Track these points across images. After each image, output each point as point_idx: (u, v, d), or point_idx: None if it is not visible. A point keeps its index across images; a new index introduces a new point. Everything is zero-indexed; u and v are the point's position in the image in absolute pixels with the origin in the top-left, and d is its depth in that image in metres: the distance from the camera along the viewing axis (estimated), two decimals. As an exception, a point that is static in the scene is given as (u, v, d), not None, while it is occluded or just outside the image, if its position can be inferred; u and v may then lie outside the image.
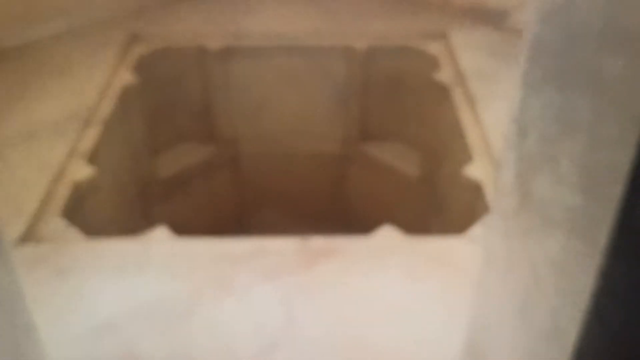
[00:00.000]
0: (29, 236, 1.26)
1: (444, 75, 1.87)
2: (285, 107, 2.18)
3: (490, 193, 1.42)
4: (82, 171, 1.46)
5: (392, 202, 2.22)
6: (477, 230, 1.30)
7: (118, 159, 1.75)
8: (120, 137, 1.78)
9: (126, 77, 1.85)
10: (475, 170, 1.49)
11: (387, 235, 1.29)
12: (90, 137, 1.58)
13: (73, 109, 1.65)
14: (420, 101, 2.02)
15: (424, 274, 1.18)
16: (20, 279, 0.79)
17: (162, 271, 1.19)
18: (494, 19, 2.09)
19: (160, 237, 1.28)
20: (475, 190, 1.47)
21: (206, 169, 2.20)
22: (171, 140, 2.17)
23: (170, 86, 2.07)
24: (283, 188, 2.36)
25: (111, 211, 1.67)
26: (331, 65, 2.09)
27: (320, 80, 2.12)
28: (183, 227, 2.23)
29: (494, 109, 1.67)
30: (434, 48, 2.02)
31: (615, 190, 0.44)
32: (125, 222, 1.81)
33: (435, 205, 1.95)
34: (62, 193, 1.39)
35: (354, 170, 2.30)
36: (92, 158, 1.53)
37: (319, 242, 1.27)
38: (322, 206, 2.41)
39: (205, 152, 2.20)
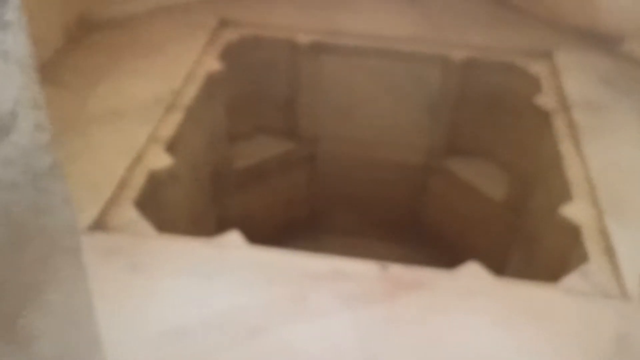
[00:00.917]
0: (101, 224, 1.23)
1: (547, 99, 1.74)
2: (372, 111, 2.09)
3: (588, 239, 1.29)
4: (160, 160, 1.42)
5: (471, 223, 2.11)
6: (572, 281, 1.19)
7: (196, 147, 1.71)
8: (201, 124, 1.73)
9: (212, 63, 1.80)
10: (575, 211, 1.37)
11: (473, 274, 1.19)
12: (172, 124, 1.53)
13: (159, 92, 1.62)
14: (517, 124, 1.90)
15: (514, 323, 1.08)
16: (91, 284, 0.74)
17: (235, 280, 1.13)
18: (608, 43, 1.93)
19: (233, 243, 1.22)
20: (572, 233, 1.34)
21: (283, 164, 2.14)
22: (251, 131, 2.12)
23: (255, 76, 2.02)
24: (359, 193, 2.28)
25: (184, 198, 1.63)
26: (426, 73, 1.98)
27: (413, 88, 2.01)
28: (253, 221, 2.20)
29: (600, 145, 1.54)
30: (538, 68, 1.88)
31: None
32: (197, 210, 1.77)
33: (521, 239, 1.83)
34: (138, 181, 1.35)
35: (435, 184, 2.20)
36: (171, 146, 1.48)
37: (399, 271, 1.18)
38: (396, 217, 2.31)
39: (284, 147, 2.14)
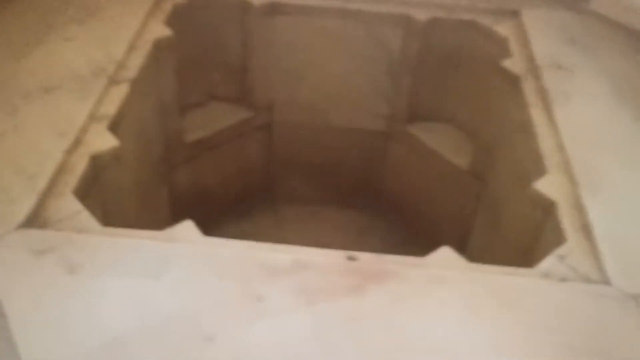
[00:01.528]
0: (36, 218, 1.10)
1: (515, 63, 1.65)
2: (329, 75, 1.98)
3: (564, 216, 1.23)
4: (103, 140, 1.29)
5: (434, 190, 2.04)
6: (548, 264, 1.13)
7: (144, 122, 1.58)
8: (149, 97, 1.60)
9: (159, 28, 1.65)
10: (548, 184, 1.29)
11: (446, 261, 1.12)
12: (115, 99, 1.39)
13: (98, 62, 1.47)
14: (482, 87, 1.81)
15: (488, 313, 1.01)
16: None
17: (186, 279, 1.03)
18: (575, 0, 1.85)
19: (186, 236, 1.12)
20: (545, 208, 1.28)
21: (236, 134, 2.02)
22: (202, 99, 1.99)
23: (206, 40, 1.87)
24: (317, 161, 2.18)
25: (132, 180, 1.51)
26: (386, 34, 1.87)
27: (372, 49, 1.90)
28: (208, 195, 2.09)
29: (571, 110, 1.46)
30: (504, 28, 1.79)
31: None
32: (147, 190, 1.65)
33: (486, 207, 1.77)
34: (78, 166, 1.22)
35: (395, 150, 2.11)
36: (115, 124, 1.35)
37: (367, 261, 1.10)
38: (356, 184, 2.23)
39: (238, 115, 2.01)
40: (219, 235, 2.12)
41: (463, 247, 2.00)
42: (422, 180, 2.06)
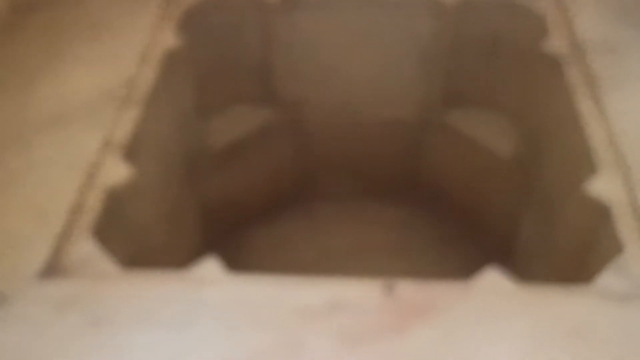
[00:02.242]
0: (53, 267, 1.04)
1: (555, 44, 1.52)
2: (357, 69, 1.86)
3: (620, 222, 1.11)
4: (119, 171, 1.21)
5: (475, 182, 1.93)
6: (607, 279, 1.02)
7: (162, 141, 1.50)
8: (165, 113, 1.52)
9: (170, 37, 1.55)
10: (601, 186, 1.17)
11: (494, 286, 1.02)
12: (129, 122, 1.31)
13: (108, 83, 1.39)
14: (522, 72, 1.68)
15: (546, 348, 0.91)
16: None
17: (214, 328, 0.95)
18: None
19: (210, 275, 1.04)
20: (599, 213, 1.16)
21: (264, 135, 1.93)
22: (224, 103, 1.90)
23: (223, 42, 1.78)
24: (350, 156, 2.08)
25: (154, 203, 1.44)
26: (415, 22, 1.74)
27: (401, 40, 1.78)
28: (238, 202, 2.01)
29: (623, 99, 1.33)
30: (542, 4, 1.65)
31: None
32: (173, 209, 1.58)
33: (533, 202, 1.65)
34: (94, 202, 1.15)
35: (432, 140, 2.00)
36: (131, 150, 1.27)
37: (407, 291, 1.00)
38: (392, 177, 2.13)
39: (264, 116, 1.92)
40: (252, 244, 2.09)
41: (510, 239, 1.89)
42: (462, 171, 1.95)
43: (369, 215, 2.22)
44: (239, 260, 2.01)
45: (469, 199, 1.99)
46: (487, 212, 1.95)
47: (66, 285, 1.02)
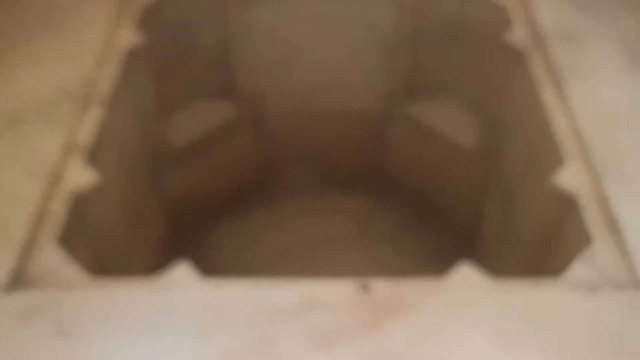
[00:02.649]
0: (18, 277, 1.00)
1: (517, 35, 1.53)
2: (319, 60, 1.85)
3: (587, 213, 1.13)
4: (83, 175, 1.17)
5: (439, 171, 1.94)
6: (577, 271, 1.04)
7: (125, 140, 1.46)
8: (127, 112, 1.48)
9: (129, 34, 1.51)
10: (568, 177, 1.19)
11: (467, 280, 1.03)
12: (90, 123, 1.27)
13: (66, 82, 1.34)
14: (483, 62, 1.70)
15: (519, 340, 0.93)
16: None
17: (186, 331, 0.94)
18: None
19: (182, 280, 1.02)
20: (566, 203, 1.18)
21: (226, 130, 1.91)
22: (186, 99, 1.87)
23: (182, 37, 1.74)
24: (314, 149, 2.08)
25: (119, 205, 1.41)
26: (375, 13, 1.74)
27: (362, 30, 1.78)
28: (202, 197, 1.98)
29: (585, 88, 1.36)
30: (502, -5, 1.66)
31: None
32: (137, 210, 1.55)
33: (497, 193, 1.67)
34: (59, 208, 1.11)
35: (395, 131, 2.00)
36: (94, 152, 1.24)
37: (381, 289, 1.01)
38: (356, 168, 2.14)
39: (225, 111, 1.90)
40: (218, 239, 2.06)
41: (473, 229, 1.92)
42: (425, 161, 1.97)
43: (333, 206, 2.21)
44: (206, 256, 2.00)
45: (432, 189, 2.01)
46: (450, 201, 1.97)
47: (32, 295, 0.98)
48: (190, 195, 1.91)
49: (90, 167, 1.19)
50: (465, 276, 1.03)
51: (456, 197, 1.94)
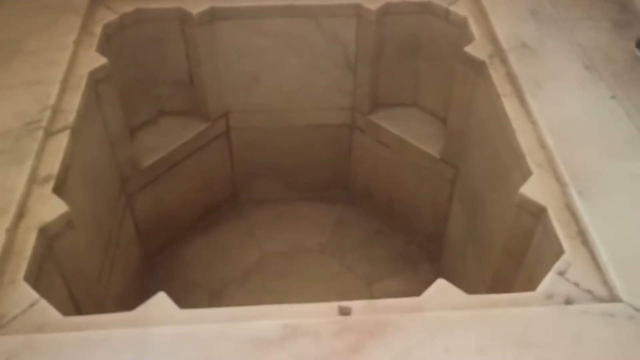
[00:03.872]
0: (-11, 320, 0.98)
1: (478, 47, 1.55)
2: (283, 75, 1.85)
3: (557, 223, 1.15)
4: (50, 207, 1.15)
5: (404, 179, 1.95)
6: (551, 284, 1.05)
7: (92, 164, 1.44)
8: (93, 136, 1.46)
9: (92, 57, 1.49)
10: (536, 188, 1.21)
11: (444, 299, 1.04)
12: (55, 152, 1.25)
13: (30, 111, 1.31)
14: (447, 72, 1.71)
15: (502, 357, 0.94)
16: None
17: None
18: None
19: (159, 314, 1.00)
20: (536, 215, 1.20)
21: (194, 146, 1.89)
22: (153, 118, 1.85)
23: (146, 57, 1.72)
24: (281, 161, 2.08)
25: (88, 232, 1.38)
26: (337, 27, 1.75)
27: (325, 44, 1.78)
28: (172, 213, 1.96)
29: (545, 97, 1.37)
30: (462, 6, 1.68)
31: None
32: (108, 233, 1.52)
33: (463, 199, 1.69)
34: (26, 243, 1.08)
35: (360, 141, 2.01)
36: (60, 182, 1.21)
37: (361, 312, 1.01)
38: (324, 179, 2.14)
39: (192, 127, 1.88)
40: (191, 255, 2.04)
41: (440, 235, 1.95)
42: (391, 168, 1.98)
43: (303, 217, 2.21)
44: (180, 271, 1.99)
45: (399, 197, 2.03)
46: (416, 209, 1.99)
47: (2, 343, 0.95)
48: (161, 212, 1.89)
49: (57, 198, 1.17)
50: (442, 294, 1.04)
51: (422, 204, 1.96)
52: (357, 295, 1.92)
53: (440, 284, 1.06)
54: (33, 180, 1.19)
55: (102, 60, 1.49)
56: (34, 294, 1.02)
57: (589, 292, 1.04)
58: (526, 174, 1.26)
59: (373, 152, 2.01)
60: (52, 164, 1.22)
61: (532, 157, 1.27)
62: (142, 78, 1.74)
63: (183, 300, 1.76)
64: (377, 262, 2.05)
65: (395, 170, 1.99)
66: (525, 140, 1.31)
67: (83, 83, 1.41)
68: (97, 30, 1.56)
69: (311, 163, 2.10)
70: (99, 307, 1.40)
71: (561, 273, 1.07)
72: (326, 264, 2.07)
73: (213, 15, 1.68)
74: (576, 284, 1.05)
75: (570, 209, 1.17)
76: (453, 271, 1.84)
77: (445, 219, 1.90)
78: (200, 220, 2.09)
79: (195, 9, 1.65)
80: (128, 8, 1.64)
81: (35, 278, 1.07)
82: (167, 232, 1.97)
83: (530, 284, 1.23)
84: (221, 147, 1.99)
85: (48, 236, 1.13)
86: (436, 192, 1.89)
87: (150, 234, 1.90)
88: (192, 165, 1.92)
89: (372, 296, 1.92)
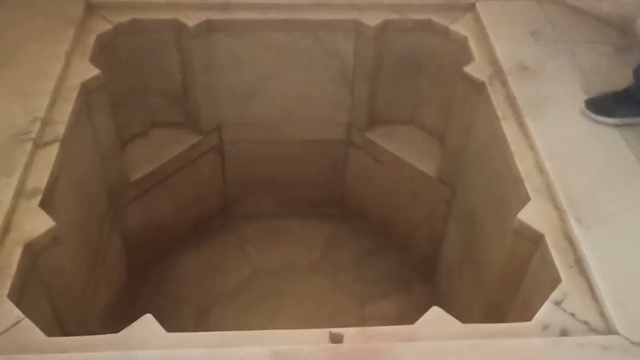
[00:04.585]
0: (-31, 339, 0.95)
1: (478, 67, 1.54)
2: (280, 89, 1.83)
3: (555, 251, 1.13)
4: (36, 222, 1.12)
5: (399, 196, 1.93)
6: (547, 314, 1.03)
7: (81, 177, 1.41)
8: (83, 148, 1.43)
9: (85, 67, 1.47)
10: (534, 214, 1.19)
11: (438, 327, 1.01)
12: (43, 165, 1.22)
13: (20, 122, 1.28)
14: (446, 91, 1.70)
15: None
16: None
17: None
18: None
19: (146, 337, 0.97)
20: (534, 241, 1.18)
21: (186, 159, 1.86)
22: (145, 129, 1.83)
23: (140, 67, 1.70)
24: (274, 175, 2.05)
25: (75, 246, 1.35)
26: (336, 42, 1.73)
27: (323, 59, 1.76)
28: (162, 227, 1.93)
29: (544, 120, 1.36)
30: (462, 26, 1.66)
31: None
32: (95, 247, 1.49)
33: (460, 220, 1.67)
34: (11, 259, 1.05)
35: (356, 158, 1.99)
36: (48, 196, 1.18)
37: (352, 340, 0.98)
38: (316, 195, 2.12)
39: (184, 140, 1.85)
40: (181, 269, 2.01)
41: (434, 255, 1.92)
42: (387, 186, 1.96)
43: (295, 233, 2.18)
44: (169, 287, 1.95)
45: (393, 216, 2.00)
46: (411, 228, 1.96)
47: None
48: (150, 226, 1.86)
49: (44, 212, 1.14)
50: (436, 322, 1.02)
51: (417, 224, 1.93)
52: (349, 316, 1.89)
53: (435, 312, 1.03)
54: (20, 193, 1.16)
55: (95, 72, 1.46)
56: (17, 313, 0.99)
57: (585, 323, 1.02)
58: (524, 198, 1.24)
59: (368, 170, 1.98)
60: (40, 177, 1.19)
61: (531, 182, 1.25)
62: (135, 89, 1.72)
63: (170, 317, 1.73)
64: (370, 282, 2.01)
65: (390, 188, 1.96)
66: (523, 164, 1.29)
67: (74, 94, 1.38)
68: (91, 40, 1.54)
69: (305, 178, 2.07)
70: (84, 324, 1.36)
71: (558, 303, 1.05)
72: (318, 282, 2.03)
73: (210, 28, 1.66)
74: (572, 315, 1.03)
75: (567, 236, 1.15)
76: (447, 292, 1.82)
77: (441, 239, 1.88)
78: (189, 234, 2.06)
79: (191, 21, 1.63)
80: (123, 18, 1.62)
81: (19, 295, 1.03)
82: (155, 247, 1.94)
83: (526, 311, 1.21)
84: (213, 160, 1.96)
85: (33, 252, 1.10)
86: (431, 212, 1.87)
87: (138, 248, 1.86)
88: (183, 178, 1.89)
89: (365, 318, 1.89)
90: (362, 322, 1.88)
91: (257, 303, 1.94)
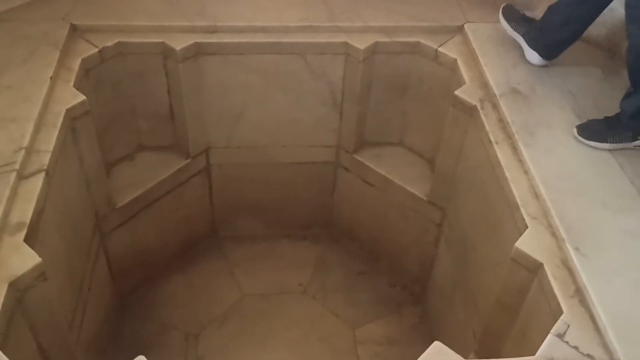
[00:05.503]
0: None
1: (470, 92, 1.52)
2: (268, 111, 1.80)
3: (554, 281, 1.11)
4: (21, 259, 1.08)
5: (388, 218, 1.91)
6: (550, 347, 1.01)
7: (66, 206, 1.37)
8: (68, 176, 1.39)
9: (69, 93, 1.43)
10: (532, 243, 1.18)
11: (441, 364, 0.98)
12: (28, 198, 1.18)
13: (1, 152, 1.24)
14: (436, 114, 1.68)
15: None
16: None
17: None
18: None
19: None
20: (532, 270, 1.17)
21: (173, 183, 1.83)
22: (132, 153, 1.79)
23: (126, 91, 1.66)
24: (262, 198, 2.03)
25: (61, 277, 1.31)
26: (325, 65, 1.71)
27: (312, 81, 1.74)
28: (148, 251, 1.87)
29: (538, 146, 1.35)
30: (451, 48, 1.66)
31: None
32: (81, 275, 1.45)
33: (451, 243, 1.65)
34: (-4, 298, 1.02)
35: (344, 180, 1.97)
36: (33, 229, 1.14)
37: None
38: (305, 217, 2.09)
39: (171, 164, 1.81)
40: (169, 293, 1.97)
41: (425, 278, 1.90)
42: (376, 208, 1.94)
43: (284, 256, 2.15)
44: (156, 312, 1.90)
45: (383, 238, 1.98)
46: (401, 250, 1.94)
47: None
48: (137, 251, 1.82)
49: (29, 248, 1.09)
50: (440, 358, 1.00)
51: (408, 245, 1.91)
52: (340, 340, 1.86)
53: (437, 347, 1.01)
54: (3, 228, 1.12)
55: (80, 98, 1.42)
56: (2, 357, 0.95)
57: (589, 356, 1.00)
58: (521, 226, 1.22)
59: (357, 191, 1.96)
60: (25, 210, 1.15)
61: (527, 209, 1.24)
62: (121, 112, 1.68)
63: (158, 344, 1.70)
64: (361, 305, 1.99)
65: (380, 210, 1.94)
66: (519, 191, 1.27)
67: (59, 121, 1.34)
68: (76, 64, 1.50)
69: (293, 200, 2.05)
70: (71, 357, 1.32)
71: (560, 335, 1.03)
72: (307, 306, 2.00)
73: (197, 51, 1.63)
74: (576, 348, 1.01)
75: (566, 265, 1.13)
76: (438, 315, 1.80)
77: (431, 261, 1.86)
78: (177, 258, 2.02)
79: (178, 44, 1.60)
80: (109, 41, 1.58)
81: (4, 335, 1.00)
82: (142, 271, 1.90)
83: (524, 340, 1.20)
84: (201, 183, 1.93)
85: (18, 289, 1.06)
86: (422, 234, 1.85)
87: (125, 273, 1.82)
88: (170, 202, 1.85)
89: (356, 341, 1.86)
90: (353, 346, 1.86)
91: (246, 328, 1.90)
